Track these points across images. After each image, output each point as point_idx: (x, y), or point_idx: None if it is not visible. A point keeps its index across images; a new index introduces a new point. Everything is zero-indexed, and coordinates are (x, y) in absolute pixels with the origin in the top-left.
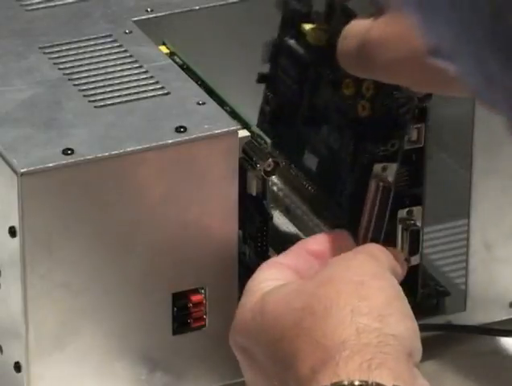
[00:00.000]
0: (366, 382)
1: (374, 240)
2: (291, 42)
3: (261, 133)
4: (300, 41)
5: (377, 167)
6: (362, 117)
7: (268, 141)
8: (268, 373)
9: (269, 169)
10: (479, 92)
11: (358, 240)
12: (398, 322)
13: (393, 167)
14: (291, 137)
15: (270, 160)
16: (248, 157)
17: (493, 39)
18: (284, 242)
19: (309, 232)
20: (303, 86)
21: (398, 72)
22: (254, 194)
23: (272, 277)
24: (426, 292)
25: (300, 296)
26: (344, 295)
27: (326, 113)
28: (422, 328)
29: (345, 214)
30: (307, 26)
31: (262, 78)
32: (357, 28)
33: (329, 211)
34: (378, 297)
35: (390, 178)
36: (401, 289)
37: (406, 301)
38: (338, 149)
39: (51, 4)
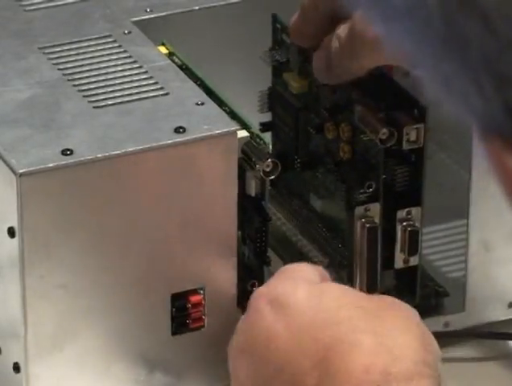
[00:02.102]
0: None
1: (371, 285)
2: (281, 90)
3: (260, 134)
4: (287, 89)
5: (359, 209)
6: (345, 160)
7: (267, 141)
8: (284, 350)
9: (268, 169)
10: (439, 98)
11: (354, 285)
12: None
13: (376, 207)
14: (297, 182)
15: (269, 160)
16: (247, 157)
17: (446, 45)
18: (283, 243)
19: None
20: (297, 132)
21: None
22: (253, 194)
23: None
24: (425, 292)
25: (370, 300)
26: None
27: (319, 158)
28: None
29: (345, 254)
30: (287, 75)
31: (264, 127)
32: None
33: (333, 251)
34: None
35: (376, 218)
36: None
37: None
38: (334, 191)
39: (51, 4)
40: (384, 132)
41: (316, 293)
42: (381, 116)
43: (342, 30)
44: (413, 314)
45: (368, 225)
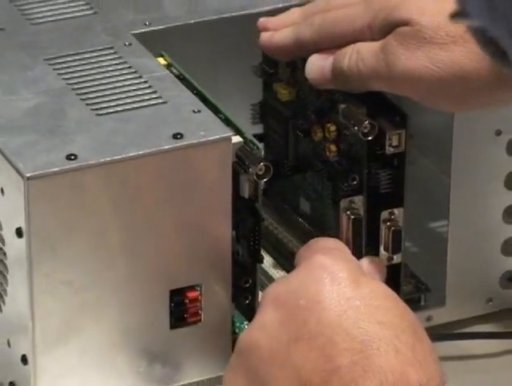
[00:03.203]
0: None
1: None
2: (272, 102)
3: (253, 139)
4: (276, 99)
5: (344, 202)
6: (331, 158)
7: (260, 146)
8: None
9: (260, 173)
10: (486, 29)
11: None
12: None
13: (360, 199)
14: (287, 187)
15: (262, 164)
16: (241, 161)
17: None
18: (276, 245)
19: None
20: (287, 139)
21: None
22: (247, 196)
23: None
24: (408, 288)
25: (410, 314)
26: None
27: (307, 161)
28: None
29: None
30: (276, 85)
31: (256, 139)
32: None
33: None
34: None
35: (360, 210)
36: None
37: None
38: (321, 192)
39: (56, 18)
40: (365, 125)
41: (367, 285)
42: (362, 111)
43: (366, 49)
44: None
45: (353, 217)
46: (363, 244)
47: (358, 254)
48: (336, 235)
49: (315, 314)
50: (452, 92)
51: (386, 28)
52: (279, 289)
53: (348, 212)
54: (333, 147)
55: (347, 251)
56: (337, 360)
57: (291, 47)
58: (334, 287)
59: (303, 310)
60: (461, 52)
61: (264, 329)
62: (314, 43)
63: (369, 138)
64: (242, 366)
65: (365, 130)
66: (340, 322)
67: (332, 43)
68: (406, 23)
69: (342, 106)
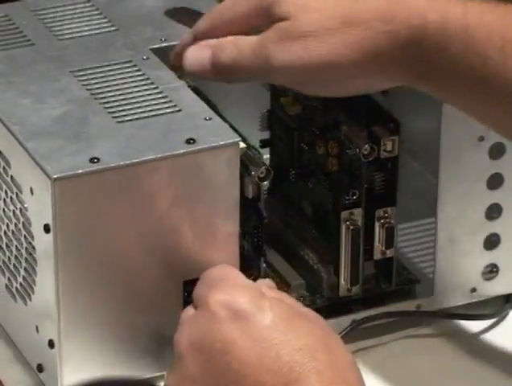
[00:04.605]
0: None
1: (354, 277)
2: (278, 112)
3: (255, 145)
4: (283, 111)
5: (345, 213)
6: (333, 171)
7: (261, 151)
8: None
9: (262, 175)
10: None
11: (339, 278)
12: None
13: (359, 212)
14: (292, 191)
15: (263, 168)
16: (244, 165)
17: None
18: (280, 243)
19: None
20: (292, 147)
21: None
22: (250, 197)
23: None
24: (400, 280)
25: (317, 325)
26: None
27: (310, 170)
28: (395, 314)
29: (333, 254)
30: (284, 99)
31: (264, 144)
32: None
33: (322, 249)
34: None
35: (359, 221)
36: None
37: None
38: (323, 199)
39: (81, 34)
40: (366, 148)
41: (270, 309)
42: (363, 134)
43: (244, 43)
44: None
45: (352, 227)
46: (361, 250)
47: (356, 258)
48: (335, 237)
49: (234, 356)
50: (324, 77)
51: (267, 20)
52: (192, 335)
53: (347, 223)
54: (335, 161)
55: (237, 274)
56: None
57: (190, 43)
58: (241, 323)
59: (221, 353)
60: (338, 42)
61: (191, 380)
62: (207, 33)
63: (369, 159)
64: None
65: (366, 152)
66: (261, 359)
67: (221, 29)
68: (286, 19)
69: (345, 128)
